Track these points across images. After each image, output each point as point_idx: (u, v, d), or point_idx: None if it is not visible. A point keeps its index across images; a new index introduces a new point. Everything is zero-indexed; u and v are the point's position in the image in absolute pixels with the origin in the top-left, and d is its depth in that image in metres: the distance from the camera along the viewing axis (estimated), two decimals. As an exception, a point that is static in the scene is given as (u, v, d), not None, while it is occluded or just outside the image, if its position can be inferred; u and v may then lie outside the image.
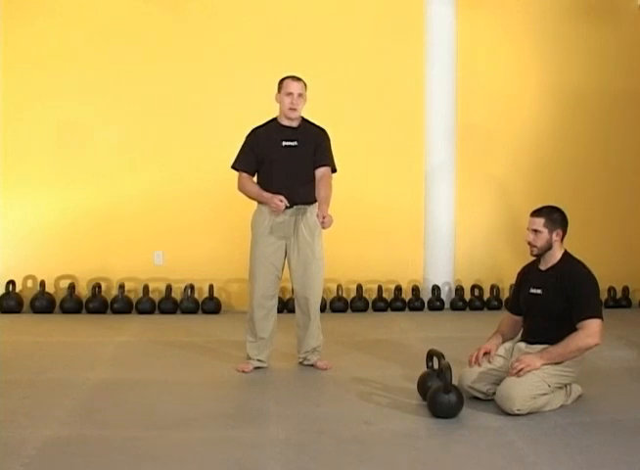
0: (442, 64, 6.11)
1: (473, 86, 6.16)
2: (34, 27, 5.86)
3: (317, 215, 3.87)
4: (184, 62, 5.97)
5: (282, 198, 3.84)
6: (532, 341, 3.44)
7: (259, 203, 3.99)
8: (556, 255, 3.43)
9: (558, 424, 3.15)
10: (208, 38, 5.99)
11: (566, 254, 3.45)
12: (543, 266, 3.47)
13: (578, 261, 3.43)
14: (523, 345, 3.48)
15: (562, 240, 3.44)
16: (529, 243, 3.44)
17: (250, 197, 4.03)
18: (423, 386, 3.41)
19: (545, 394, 3.27)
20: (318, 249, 4.02)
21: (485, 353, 3.49)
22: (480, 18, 6.22)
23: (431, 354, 3.46)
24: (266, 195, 3.89)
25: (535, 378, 3.24)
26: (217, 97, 5.95)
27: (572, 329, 3.29)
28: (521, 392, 3.19)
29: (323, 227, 3.88)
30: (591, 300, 3.32)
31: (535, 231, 3.41)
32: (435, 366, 3.39)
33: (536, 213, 3.46)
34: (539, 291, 3.42)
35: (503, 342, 3.57)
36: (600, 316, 3.28)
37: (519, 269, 3.69)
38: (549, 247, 3.41)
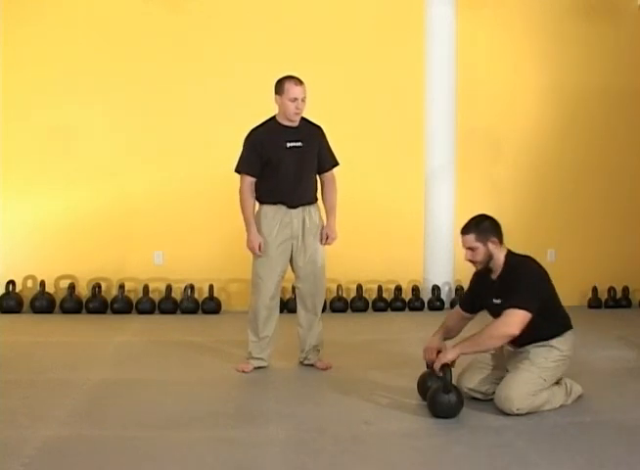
0: (443, 64, 6.11)
1: (473, 87, 6.17)
2: (34, 27, 5.86)
3: (322, 230, 3.98)
4: (184, 62, 5.97)
5: (262, 244, 3.88)
6: (516, 345, 3.38)
7: (261, 203, 3.98)
8: (500, 261, 3.34)
9: (558, 424, 3.14)
10: (208, 38, 5.99)
11: (508, 255, 3.35)
12: (494, 275, 3.39)
13: (523, 258, 3.35)
14: (510, 347, 3.44)
15: (500, 243, 3.35)
16: (470, 261, 3.38)
17: (242, 212, 3.97)
18: (423, 386, 3.41)
19: (543, 389, 3.26)
20: (322, 247, 4.06)
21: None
22: (480, 18, 6.22)
23: (431, 354, 3.46)
24: (252, 231, 3.90)
25: (530, 375, 3.23)
26: (218, 97, 5.95)
27: (551, 326, 3.27)
28: (518, 390, 3.18)
29: (327, 244, 3.99)
30: (524, 291, 3.20)
31: (470, 249, 3.34)
32: (435, 366, 3.39)
33: (465, 231, 3.35)
34: (499, 301, 3.32)
35: (446, 339, 3.49)
36: (527, 309, 3.15)
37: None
38: (490, 257, 3.34)
